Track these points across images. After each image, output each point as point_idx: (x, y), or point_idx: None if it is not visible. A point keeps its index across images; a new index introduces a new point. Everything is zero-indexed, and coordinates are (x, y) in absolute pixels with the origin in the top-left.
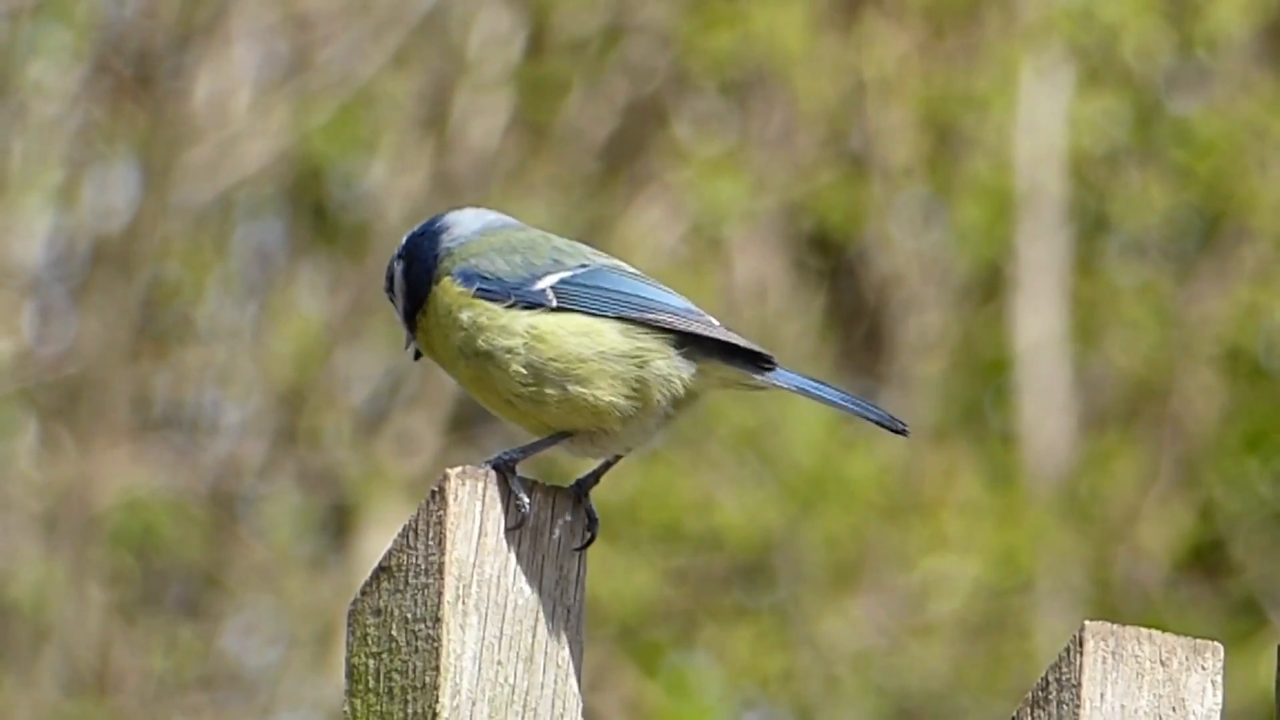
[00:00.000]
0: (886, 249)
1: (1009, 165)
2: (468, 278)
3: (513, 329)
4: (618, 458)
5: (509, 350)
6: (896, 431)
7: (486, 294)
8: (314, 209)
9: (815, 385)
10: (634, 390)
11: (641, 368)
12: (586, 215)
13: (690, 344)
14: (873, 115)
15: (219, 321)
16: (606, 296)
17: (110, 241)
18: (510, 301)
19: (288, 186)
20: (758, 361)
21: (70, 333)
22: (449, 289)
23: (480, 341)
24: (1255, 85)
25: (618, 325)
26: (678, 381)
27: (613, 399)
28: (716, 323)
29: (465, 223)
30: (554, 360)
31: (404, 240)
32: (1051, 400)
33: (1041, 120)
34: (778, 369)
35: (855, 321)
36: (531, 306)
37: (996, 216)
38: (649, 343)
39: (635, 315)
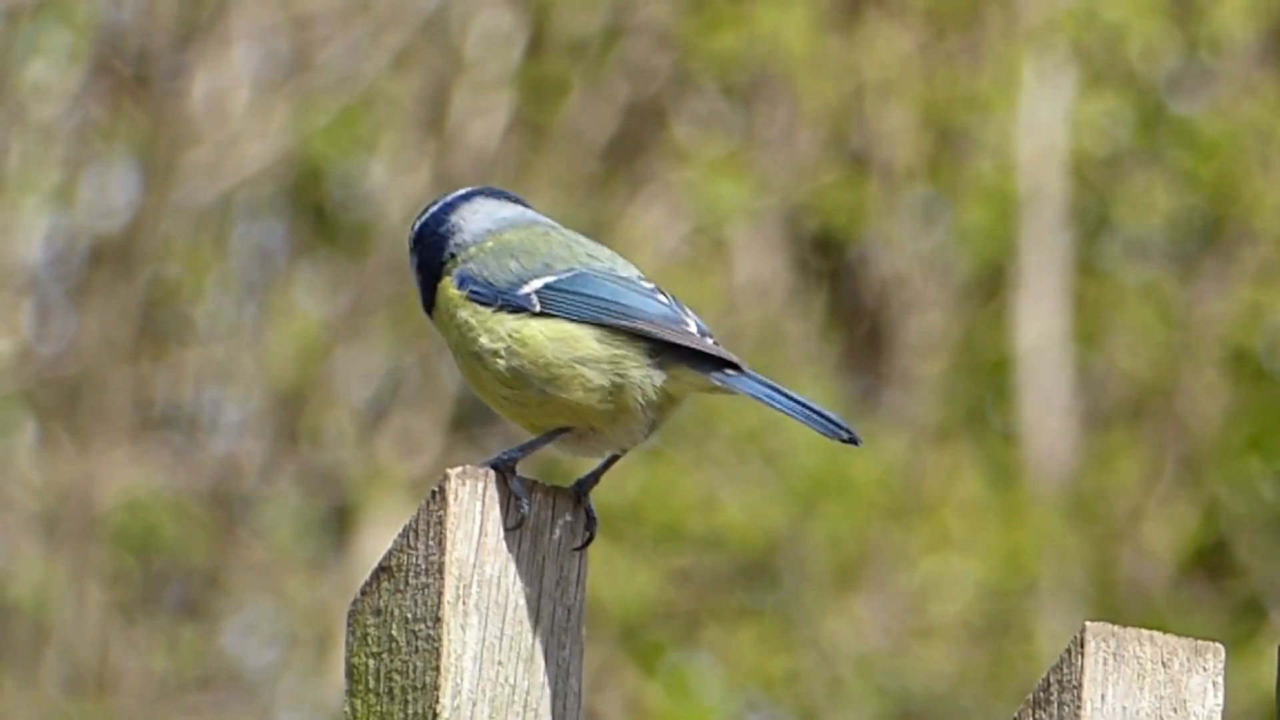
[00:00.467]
0: (888, 249)
1: (1011, 166)
2: (463, 280)
3: (497, 332)
4: (615, 458)
5: (493, 353)
6: (845, 442)
7: (477, 297)
8: (314, 209)
9: (768, 393)
10: (610, 395)
11: (617, 374)
12: (587, 215)
13: (664, 351)
14: (875, 116)
15: (219, 321)
16: (587, 302)
17: (110, 241)
18: (497, 305)
19: (288, 187)
20: (729, 366)
21: (70, 332)
22: (448, 288)
23: (469, 343)
24: (1258, 87)
25: (596, 331)
26: (650, 388)
27: (589, 402)
28: (694, 327)
29: (472, 227)
30: (532, 364)
31: (417, 227)
32: (1054, 400)
33: (1044, 121)
34: (741, 375)
35: (857, 321)
36: (517, 310)
37: (999, 217)
38: (625, 349)
39: (612, 322)
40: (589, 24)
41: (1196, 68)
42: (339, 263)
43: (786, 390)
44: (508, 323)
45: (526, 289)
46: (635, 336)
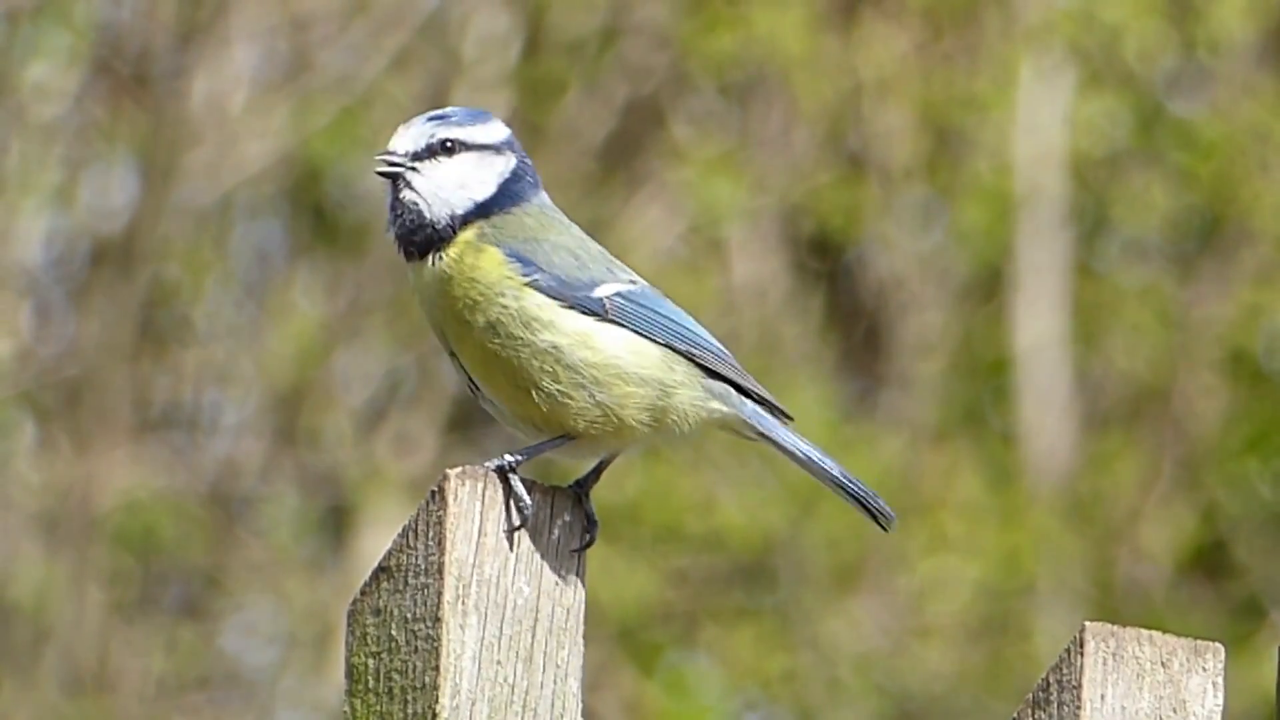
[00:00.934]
0: (886, 250)
1: (1009, 166)
2: (524, 262)
3: (562, 328)
4: (610, 457)
5: (554, 347)
6: (879, 524)
7: (545, 288)
8: (313, 209)
9: (820, 455)
10: (654, 417)
11: (668, 397)
12: (585, 214)
13: (715, 384)
14: (872, 116)
15: (219, 321)
16: (659, 322)
17: (110, 241)
18: (567, 303)
19: (287, 187)
20: (773, 415)
21: (70, 333)
22: (495, 261)
23: (520, 329)
24: (1257, 87)
25: (662, 351)
26: (695, 416)
27: (636, 419)
28: (739, 366)
29: (538, 196)
30: (595, 369)
31: (511, 141)
32: (1052, 401)
33: (1042, 121)
34: (786, 430)
35: (855, 322)
36: (586, 312)
37: (996, 217)
38: (682, 375)
39: (683, 347)
40: (586, 24)
41: (1195, 68)
42: (338, 263)
43: (826, 456)
44: (576, 321)
45: (598, 293)
46: (691, 364)
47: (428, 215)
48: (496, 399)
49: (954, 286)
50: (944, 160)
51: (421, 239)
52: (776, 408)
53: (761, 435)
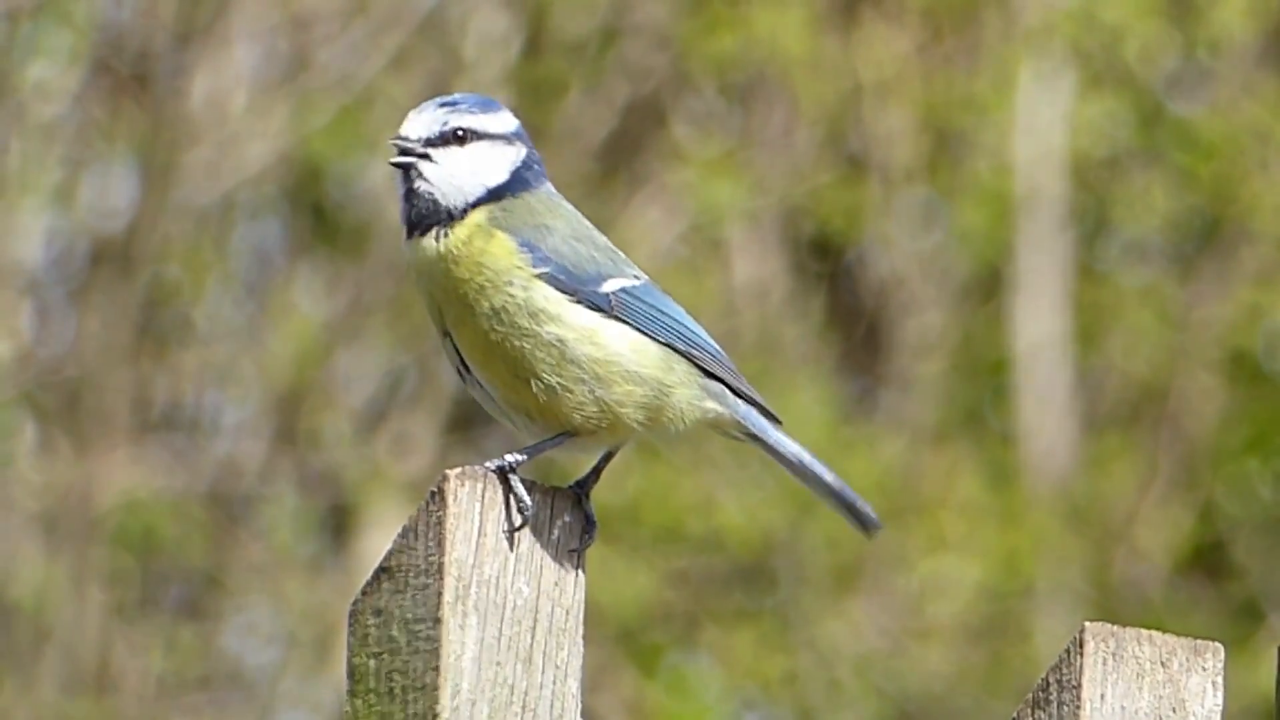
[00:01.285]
0: (886, 250)
1: (1009, 167)
2: (534, 251)
3: (569, 322)
4: (610, 455)
5: (559, 340)
6: (866, 534)
7: (554, 281)
8: (313, 209)
9: (810, 459)
10: (649, 415)
11: (666, 396)
12: (585, 215)
13: (710, 383)
14: (872, 117)
15: (219, 321)
16: (663, 320)
17: (110, 241)
18: (575, 296)
19: (287, 187)
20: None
21: (70, 333)
22: (507, 249)
23: (526, 319)
24: (1257, 87)
25: (663, 350)
26: (691, 415)
27: (632, 416)
28: (733, 368)
29: (544, 186)
30: (597, 365)
31: (521, 132)
32: (1052, 402)
33: (1042, 122)
34: (778, 431)
35: (855, 322)
36: (592, 307)
37: (997, 218)
38: (681, 375)
39: (683, 347)
40: (586, 24)
41: (1195, 68)
42: (338, 263)
43: (816, 460)
44: (583, 316)
45: (605, 288)
46: (690, 364)
47: (443, 204)
48: (491, 385)
49: (954, 286)
50: (944, 161)
51: (432, 222)
52: (767, 411)
53: (752, 436)
